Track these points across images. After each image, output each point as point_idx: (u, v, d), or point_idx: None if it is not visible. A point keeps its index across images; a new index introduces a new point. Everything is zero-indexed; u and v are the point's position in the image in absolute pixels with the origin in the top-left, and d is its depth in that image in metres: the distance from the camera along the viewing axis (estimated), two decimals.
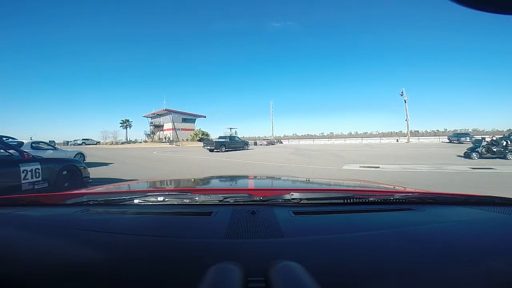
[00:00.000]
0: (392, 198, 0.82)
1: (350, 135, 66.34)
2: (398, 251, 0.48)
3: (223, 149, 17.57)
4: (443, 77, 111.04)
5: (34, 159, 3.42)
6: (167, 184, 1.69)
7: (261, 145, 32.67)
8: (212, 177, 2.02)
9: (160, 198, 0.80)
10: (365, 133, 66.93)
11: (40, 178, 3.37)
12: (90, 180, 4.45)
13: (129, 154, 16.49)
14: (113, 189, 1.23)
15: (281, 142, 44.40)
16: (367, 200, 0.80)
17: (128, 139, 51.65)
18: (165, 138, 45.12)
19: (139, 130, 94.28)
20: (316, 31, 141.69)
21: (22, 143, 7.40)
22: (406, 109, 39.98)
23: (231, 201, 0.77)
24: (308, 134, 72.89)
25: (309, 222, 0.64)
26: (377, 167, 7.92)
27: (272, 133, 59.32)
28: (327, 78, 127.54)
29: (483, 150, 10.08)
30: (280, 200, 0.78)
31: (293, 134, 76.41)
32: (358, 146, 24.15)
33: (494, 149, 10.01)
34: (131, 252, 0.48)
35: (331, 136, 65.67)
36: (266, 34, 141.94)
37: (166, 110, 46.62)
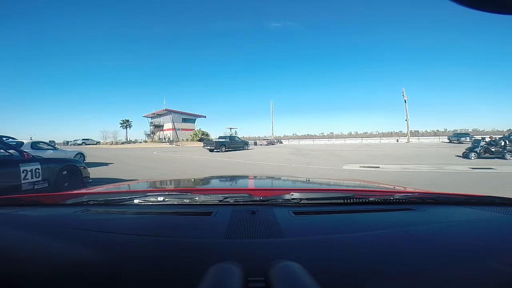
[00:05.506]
0: (392, 198, 0.82)
1: (350, 135, 66.38)
2: (398, 251, 0.48)
3: (223, 149, 17.54)
4: (443, 77, 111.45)
5: (34, 159, 3.42)
6: (167, 184, 1.68)
7: (261, 145, 32.62)
8: (212, 177, 2.02)
9: (160, 198, 0.80)
10: (365, 133, 67.02)
11: (40, 178, 3.37)
12: (90, 180, 4.45)
13: (129, 154, 16.47)
14: (113, 189, 1.23)
15: (281, 142, 44.36)
16: (367, 200, 0.80)
17: (128, 139, 51.69)
18: (165, 138, 45.09)
19: (139, 130, 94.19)
20: (316, 31, 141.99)
21: (22, 143, 7.39)
22: (406, 109, 40.09)
23: (231, 201, 0.77)
24: (308, 134, 73.02)
25: (309, 222, 0.64)
26: (377, 167, 7.91)
27: (272, 133, 59.33)
28: (327, 78, 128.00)
29: (482, 150, 10.07)
30: (280, 200, 0.78)
31: (293, 134, 76.59)
32: (358, 146, 24.12)
33: (493, 149, 9.99)
34: (131, 252, 0.48)
35: (331, 136, 65.67)
36: (266, 34, 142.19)
37: (166, 110, 46.61)
